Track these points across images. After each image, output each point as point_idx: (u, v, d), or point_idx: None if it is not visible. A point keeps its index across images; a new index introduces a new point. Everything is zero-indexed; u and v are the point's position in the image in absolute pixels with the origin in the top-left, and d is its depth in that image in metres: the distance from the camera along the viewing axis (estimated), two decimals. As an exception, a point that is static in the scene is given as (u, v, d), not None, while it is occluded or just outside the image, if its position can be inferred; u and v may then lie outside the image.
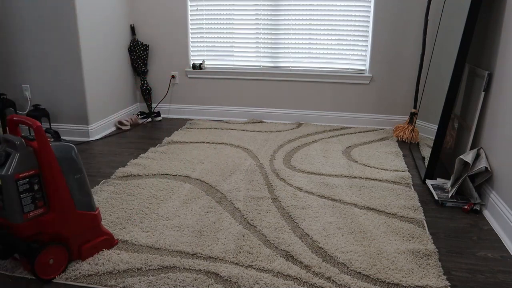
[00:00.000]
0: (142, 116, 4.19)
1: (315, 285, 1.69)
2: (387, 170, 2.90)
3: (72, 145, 1.79)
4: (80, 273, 1.76)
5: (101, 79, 3.68)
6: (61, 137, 2.14)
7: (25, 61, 3.48)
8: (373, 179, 2.74)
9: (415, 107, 3.61)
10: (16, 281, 1.74)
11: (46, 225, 1.71)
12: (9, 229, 1.65)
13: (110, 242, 1.95)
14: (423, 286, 1.69)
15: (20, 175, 1.63)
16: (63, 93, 3.51)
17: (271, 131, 3.80)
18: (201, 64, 4.16)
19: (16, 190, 1.61)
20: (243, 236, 2.04)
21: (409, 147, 3.44)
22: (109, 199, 2.43)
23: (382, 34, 3.72)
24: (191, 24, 4.11)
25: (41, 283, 1.72)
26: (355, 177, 2.78)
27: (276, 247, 1.96)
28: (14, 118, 1.72)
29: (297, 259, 1.86)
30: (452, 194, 2.44)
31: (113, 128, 3.92)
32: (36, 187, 1.68)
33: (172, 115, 4.36)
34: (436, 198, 2.44)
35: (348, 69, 3.94)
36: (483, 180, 2.36)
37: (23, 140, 1.65)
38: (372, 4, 3.69)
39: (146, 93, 4.26)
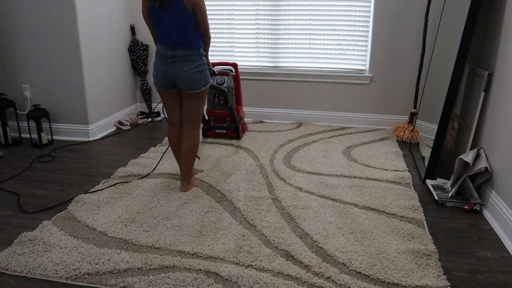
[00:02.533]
0: (142, 116, 4.19)
1: (315, 285, 1.69)
2: (387, 170, 2.90)
3: None
4: (80, 272, 1.76)
5: (101, 79, 3.69)
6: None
7: (25, 61, 3.48)
8: (373, 179, 2.74)
9: (415, 107, 3.61)
10: (16, 281, 1.74)
11: (238, 112, 3.51)
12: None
13: (247, 126, 3.85)
14: (423, 286, 1.69)
15: (232, 87, 3.45)
16: (63, 93, 3.51)
17: (271, 131, 3.80)
18: (201, 64, 4.16)
19: (232, 94, 3.43)
20: (243, 236, 2.04)
21: (409, 147, 3.44)
22: (109, 199, 2.43)
23: (382, 34, 3.72)
24: (191, 24, 4.11)
25: (238, 139, 3.53)
26: (355, 177, 2.78)
27: (276, 247, 1.96)
28: (215, 63, 3.53)
29: (297, 259, 1.86)
30: (452, 194, 2.44)
31: (113, 128, 3.92)
32: (234, 93, 3.51)
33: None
34: (436, 198, 2.44)
35: (348, 69, 3.94)
36: (483, 180, 2.36)
37: (230, 72, 3.47)
38: (372, 4, 3.69)
39: (146, 93, 4.26)
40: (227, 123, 3.44)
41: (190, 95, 2.39)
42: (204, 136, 3.58)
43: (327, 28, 3.86)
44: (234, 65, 3.50)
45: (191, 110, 2.45)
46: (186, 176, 2.55)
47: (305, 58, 3.99)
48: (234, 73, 3.50)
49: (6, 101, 3.41)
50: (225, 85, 3.36)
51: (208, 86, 2.41)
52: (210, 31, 2.75)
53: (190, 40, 2.29)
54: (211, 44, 4.15)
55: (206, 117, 3.49)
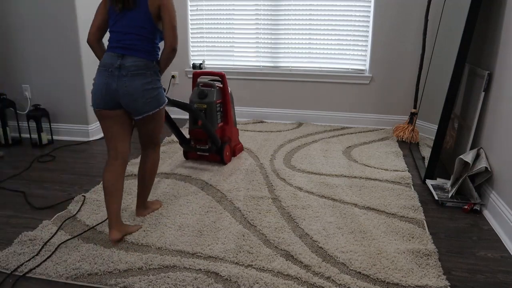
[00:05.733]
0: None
1: (315, 284, 1.69)
2: (387, 170, 2.90)
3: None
4: (80, 272, 1.76)
5: (101, 79, 3.68)
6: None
7: (25, 61, 3.48)
8: (373, 179, 2.74)
9: (415, 107, 3.61)
10: (17, 281, 1.74)
11: (224, 132, 3.02)
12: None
13: (242, 147, 3.26)
14: (423, 286, 1.69)
15: (217, 102, 2.88)
16: (63, 93, 3.51)
17: (271, 131, 3.80)
18: (201, 64, 4.16)
19: (215, 110, 2.87)
20: (243, 235, 2.04)
21: (409, 147, 3.44)
22: (109, 199, 2.43)
23: (382, 34, 3.73)
24: (191, 24, 4.11)
25: (223, 165, 2.95)
26: (355, 177, 2.78)
27: (276, 246, 1.96)
28: (199, 72, 3.01)
29: (297, 258, 1.86)
30: (452, 194, 2.44)
31: (113, 128, 3.91)
32: (221, 109, 2.96)
33: (172, 115, 4.35)
34: (436, 198, 2.44)
35: (348, 69, 3.94)
36: (483, 180, 2.36)
37: (215, 83, 2.89)
38: (372, 4, 3.69)
39: (146, 93, 4.27)
40: (210, 144, 2.90)
41: (145, 119, 1.97)
42: (186, 157, 3.09)
43: (327, 28, 3.86)
44: (221, 75, 2.93)
45: (146, 134, 2.07)
46: (145, 201, 2.25)
47: (305, 58, 3.99)
48: (221, 85, 2.96)
49: (6, 101, 3.41)
50: (207, 99, 2.82)
51: (162, 107, 1.99)
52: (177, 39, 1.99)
53: (144, 48, 1.90)
54: (209, 46, 4.15)
55: (187, 137, 3.00)
